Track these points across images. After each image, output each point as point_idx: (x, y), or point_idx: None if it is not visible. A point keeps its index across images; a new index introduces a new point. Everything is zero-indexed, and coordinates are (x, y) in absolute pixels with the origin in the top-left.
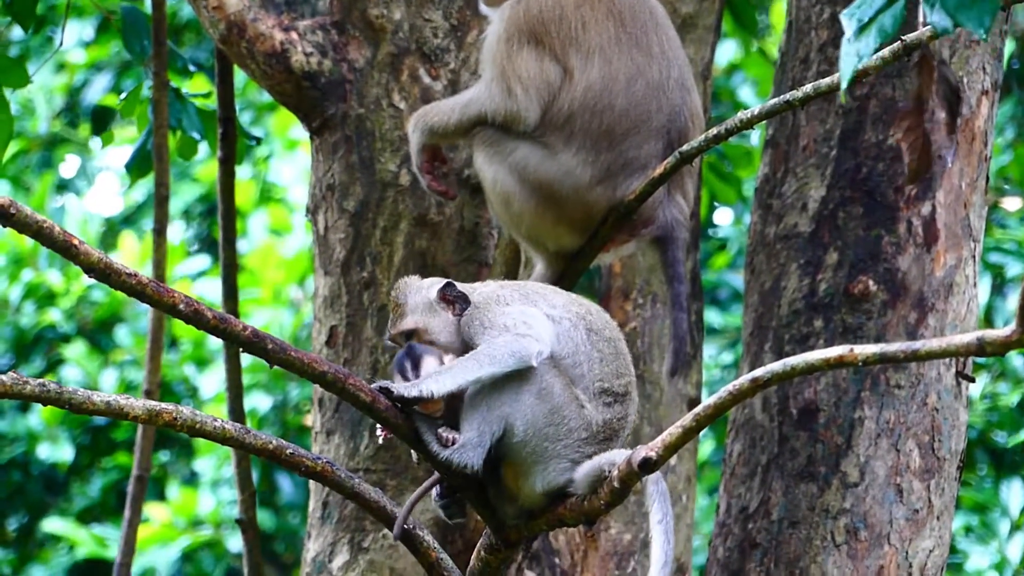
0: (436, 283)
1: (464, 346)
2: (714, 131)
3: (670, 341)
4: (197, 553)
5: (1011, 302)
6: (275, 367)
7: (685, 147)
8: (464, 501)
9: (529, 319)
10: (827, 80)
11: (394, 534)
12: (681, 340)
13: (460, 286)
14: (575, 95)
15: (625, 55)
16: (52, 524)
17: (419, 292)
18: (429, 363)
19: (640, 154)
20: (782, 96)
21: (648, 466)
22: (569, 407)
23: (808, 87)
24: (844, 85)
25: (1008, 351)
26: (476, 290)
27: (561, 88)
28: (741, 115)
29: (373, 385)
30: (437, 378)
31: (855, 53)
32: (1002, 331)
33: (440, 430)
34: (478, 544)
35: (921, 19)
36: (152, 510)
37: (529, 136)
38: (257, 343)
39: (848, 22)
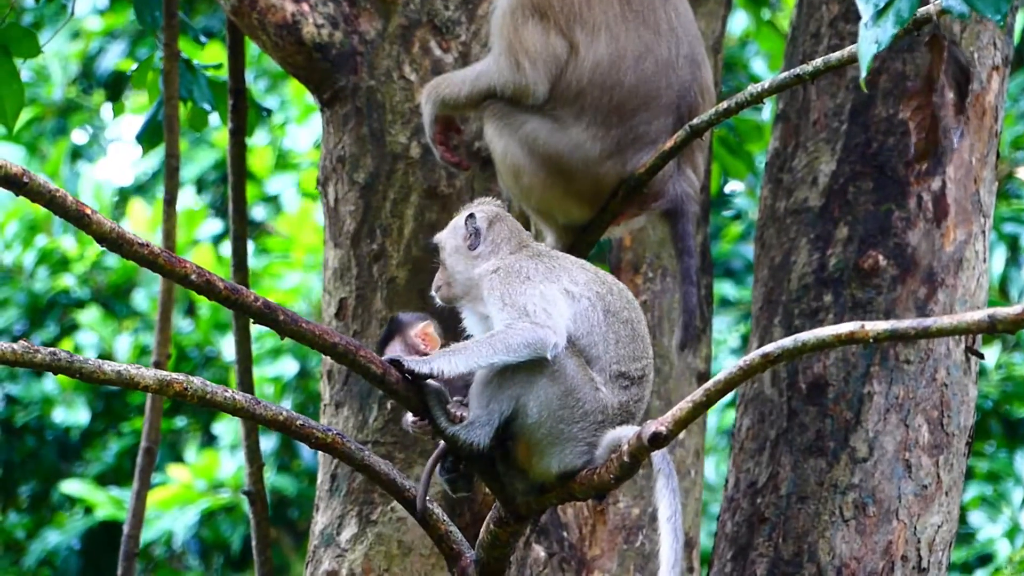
0: (469, 209)
1: (472, 289)
2: (724, 105)
3: (679, 315)
4: (215, 516)
5: None
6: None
7: (695, 121)
8: (470, 475)
9: (549, 305)
10: (838, 54)
11: (417, 515)
12: (691, 314)
13: (495, 228)
14: (583, 71)
15: (632, 33)
16: (69, 487)
17: (465, 211)
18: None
19: (650, 129)
20: (792, 70)
21: (658, 441)
22: (583, 389)
23: (819, 61)
24: (864, 73)
25: (1019, 329)
26: (508, 250)
27: (568, 63)
28: (751, 89)
29: (385, 357)
30: (450, 357)
31: (873, 39)
32: (1013, 308)
33: (449, 405)
34: (487, 517)
35: (936, 6)
36: (172, 471)
37: (539, 109)
38: (268, 314)
39: (865, 7)
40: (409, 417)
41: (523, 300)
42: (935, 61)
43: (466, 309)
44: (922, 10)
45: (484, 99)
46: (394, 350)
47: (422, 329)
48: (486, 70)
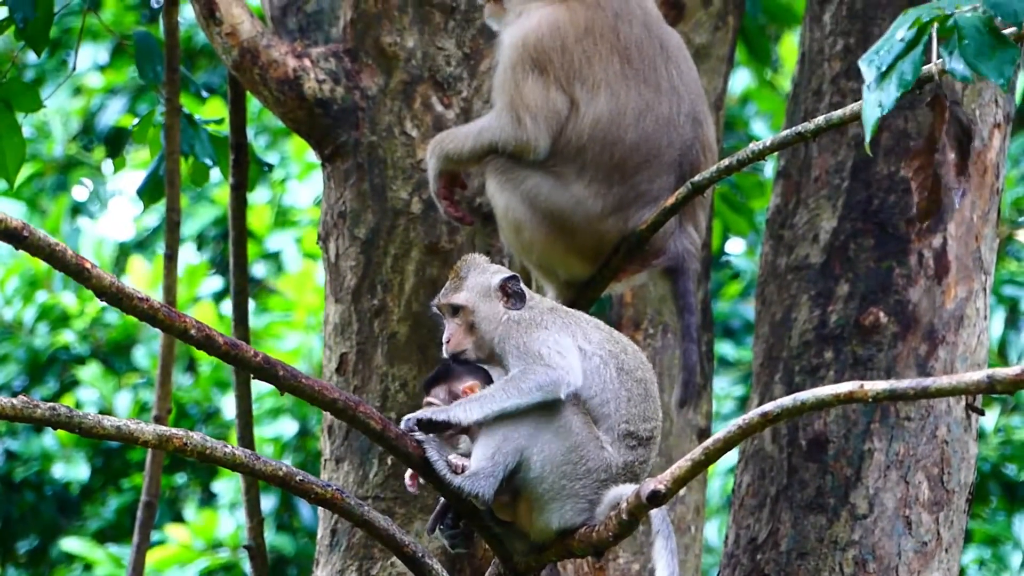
0: (502, 272)
1: (493, 350)
2: (726, 162)
3: (680, 372)
4: (214, 575)
5: None
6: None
7: (696, 178)
8: (470, 531)
9: (563, 349)
10: (839, 112)
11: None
12: (691, 371)
13: (524, 289)
14: (584, 127)
15: (633, 91)
16: (68, 544)
17: (482, 273)
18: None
19: (652, 187)
20: (794, 128)
21: (657, 499)
22: (588, 446)
23: (820, 119)
24: (868, 136)
25: (1018, 389)
26: (530, 305)
27: (569, 119)
28: (753, 146)
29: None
30: (466, 406)
31: (877, 102)
32: (1012, 369)
33: (451, 456)
34: (487, 574)
35: (936, 63)
36: (171, 531)
37: (541, 165)
38: (268, 369)
39: (868, 70)
40: (408, 475)
41: (537, 346)
42: (937, 121)
43: (493, 370)
44: (925, 68)
45: (487, 154)
46: (438, 394)
47: (469, 386)
48: (488, 126)
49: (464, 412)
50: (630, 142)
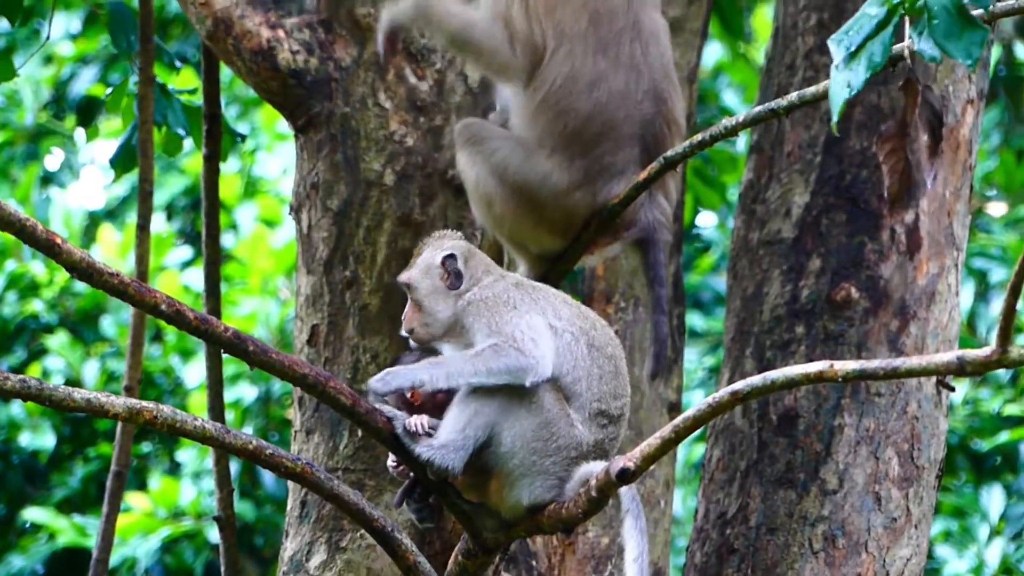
0: (445, 249)
1: (454, 325)
2: (698, 137)
3: (651, 345)
4: (178, 544)
5: (994, 308)
6: None
7: (669, 153)
8: (438, 506)
9: (537, 335)
10: (812, 89)
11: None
12: (662, 344)
13: (472, 264)
14: (543, 83)
15: (589, 58)
16: (32, 513)
17: (433, 250)
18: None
19: (616, 160)
20: (767, 104)
21: (626, 477)
22: (559, 424)
23: (793, 95)
24: (835, 117)
25: (988, 371)
26: (489, 281)
27: (540, 61)
28: (725, 122)
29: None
30: (432, 371)
31: (845, 83)
32: (982, 351)
33: (412, 418)
34: (456, 549)
35: (907, 45)
36: (133, 499)
37: (510, 138)
38: (239, 344)
39: (837, 49)
40: (391, 460)
41: (510, 328)
42: (909, 104)
43: (445, 347)
44: (895, 48)
45: (463, 49)
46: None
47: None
48: (481, 26)
49: (430, 376)
50: (583, 112)
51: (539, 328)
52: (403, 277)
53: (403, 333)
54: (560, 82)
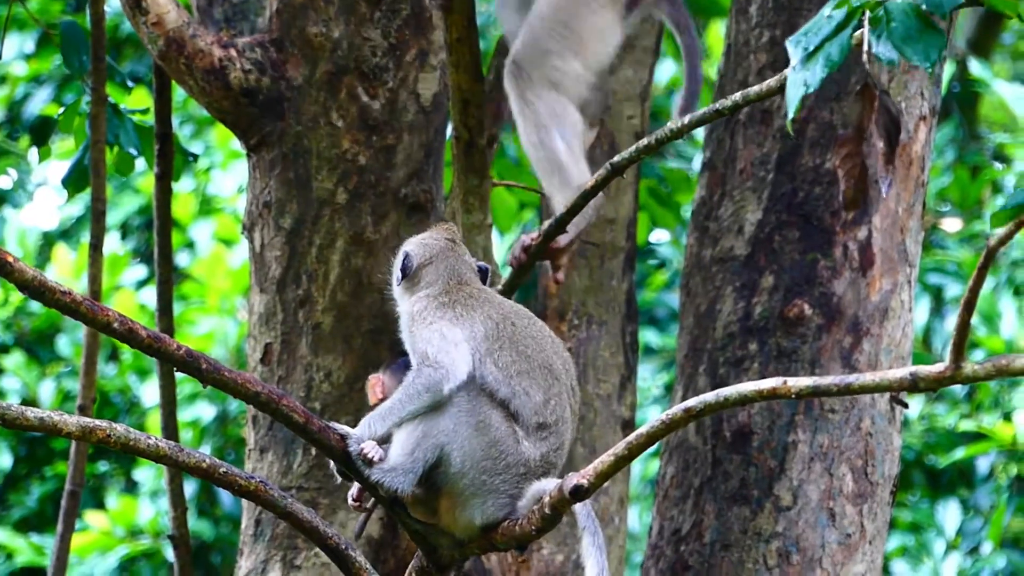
0: (409, 245)
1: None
2: (645, 141)
3: (684, 85)
4: (135, 563)
5: (949, 324)
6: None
7: (616, 158)
8: (393, 523)
9: (449, 345)
10: (757, 87)
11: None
12: (693, 68)
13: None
14: None
15: None
16: None
17: (413, 242)
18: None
19: None
20: (712, 105)
21: (579, 493)
22: (507, 442)
23: (738, 95)
24: (791, 115)
25: (941, 387)
26: (431, 290)
27: None
28: (671, 124)
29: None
30: (370, 423)
31: (802, 82)
32: (935, 367)
33: (367, 447)
34: (409, 566)
35: (866, 48)
36: (91, 518)
37: None
38: (191, 362)
39: (794, 50)
40: (352, 491)
41: (422, 346)
42: (866, 110)
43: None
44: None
45: None
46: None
47: (376, 379)
48: None
49: (370, 429)
50: None
51: (453, 338)
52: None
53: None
54: None
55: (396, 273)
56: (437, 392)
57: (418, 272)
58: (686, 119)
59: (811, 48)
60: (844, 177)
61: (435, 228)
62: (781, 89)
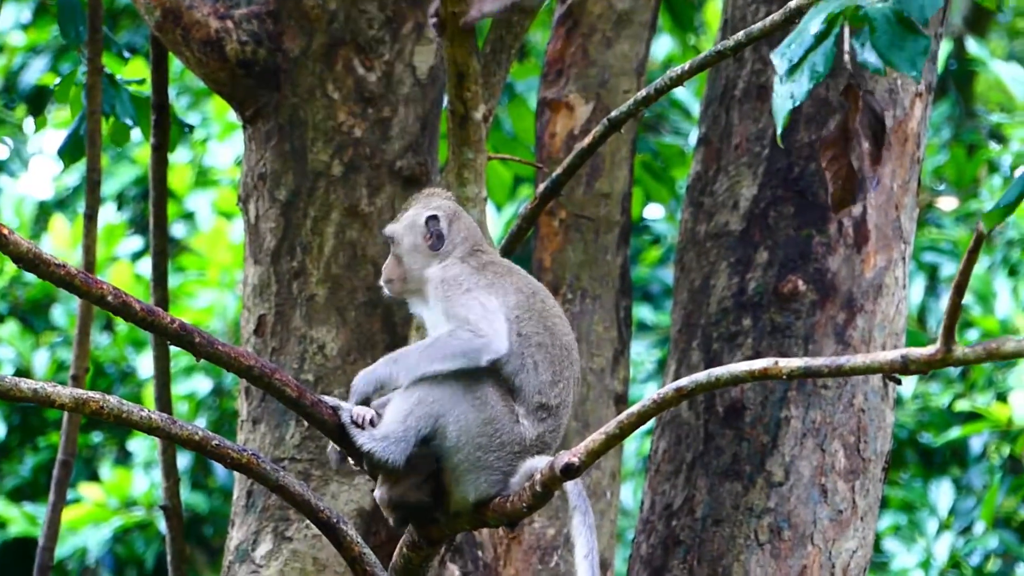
0: (431, 209)
1: (427, 286)
2: (643, 92)
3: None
4: (129, 534)
5: (944, 302)
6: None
7: (614, 113)
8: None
9: (490, 314)
10: (759, 25)
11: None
12: None
13: (454, 228)
14: None
15: None
16: None
17: (421, 207)
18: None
19: None
20: (713, 48)
21: (570, 472)
22: (503, 420)
23: (740, 34)
24: (779, 129)
25: (931, 369)
26: (459, 253)
27: None
28: (671, 73)
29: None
30: (390, 367)
31: (788, 94)
32: (926, 349)
33: (355, 409)
34: (400, 540)
35: (847, 50)
36: (85, 490)
37: None
38: (184, 336)
39: (779, 62)
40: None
41: (464, 311)
42: (851, 111)
43: (416, 302)
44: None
45: None
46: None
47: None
48: None
49: (389, 373)
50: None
51: (492, 308)
52: (388, 230)
53: (381, 283)
54: None
55: (421, 240)
56: (475, 359)
57: (448, 235)
58: (686, 66)
59: (795, 59)
60: (832, 179)
61: (427, 194)
62: (784, 23)
